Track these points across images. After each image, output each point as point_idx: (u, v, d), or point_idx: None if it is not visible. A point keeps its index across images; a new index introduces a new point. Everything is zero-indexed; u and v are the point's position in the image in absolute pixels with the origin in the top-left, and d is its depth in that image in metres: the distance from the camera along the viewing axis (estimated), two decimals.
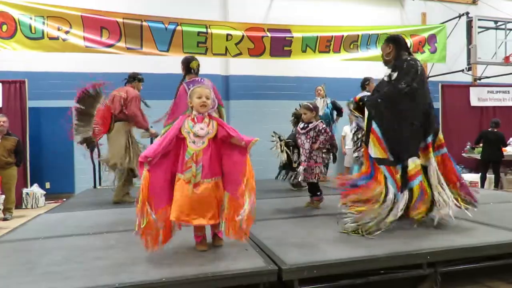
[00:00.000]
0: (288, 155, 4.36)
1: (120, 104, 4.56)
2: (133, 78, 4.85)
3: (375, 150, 2.93)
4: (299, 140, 3.86)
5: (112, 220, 3.53)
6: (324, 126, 3.78)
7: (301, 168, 3.78)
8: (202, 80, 3.96)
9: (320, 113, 5.84)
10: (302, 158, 3.79)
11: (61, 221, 3.63)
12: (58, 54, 6.51)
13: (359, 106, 3.30)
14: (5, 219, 5.62)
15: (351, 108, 3.41)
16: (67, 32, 5.94)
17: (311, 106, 3.81)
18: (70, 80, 7.83)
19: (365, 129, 3.07)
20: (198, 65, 4.14)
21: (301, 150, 3.83)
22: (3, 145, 5.82)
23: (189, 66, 4.08)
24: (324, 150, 3.76)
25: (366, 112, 3.06)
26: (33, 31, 5.82)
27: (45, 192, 7.23)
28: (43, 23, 5.84)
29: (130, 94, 4.61)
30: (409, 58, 3.05)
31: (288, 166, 4.50)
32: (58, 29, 5.91)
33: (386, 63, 3.24)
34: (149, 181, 2.24)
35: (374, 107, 2.98)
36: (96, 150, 5.02)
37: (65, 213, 4.04)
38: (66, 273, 2.09)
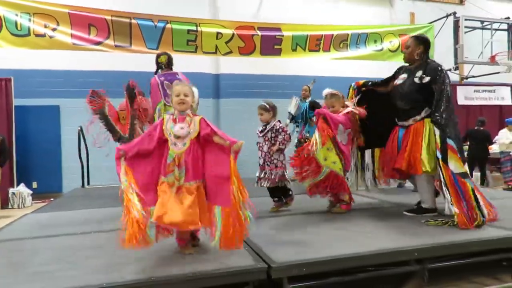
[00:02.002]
0: None
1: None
2: (128, 91, 4.85)
3: (456, 165, 2.94)
4: (258, 144, 3.64)
5: (101, 219, 3.49)
6: (281, 125, 3.59)
7: (259, 173, 3.57)
8: (175, 74, 4.15)
9: (294, 112, 5.83)
10: (261, 161, 3.57)
11: (49, 220, 3.58)
12: (45, 51, 6.41)
13: (361, 91, 3.56)
14: None
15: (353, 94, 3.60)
16: (54, 29, 5.85)
17: (267, 106, 3.57)
18: (58, 78, 7.75)
19: (440, 144, 2.98)
20: (167, 59, 4.34)
21: (260, 153, 3.60)
22: None
23: (157, 61, 4.32)
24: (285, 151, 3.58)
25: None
26: (19, 28, 5.72)
27: (32, 192, 7.13)
28: (29, 19, 5.74)
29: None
30: (441, 68, 3.17)
31: None
32: (45, 26, 5.81)
33: (410, 61, 3.35)
34: (133, 175, 2.16)
35: (446, 124, 3.03)
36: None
37: (52, 213, 3.99)
38: (55, 273, 2.07)
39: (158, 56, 4.37)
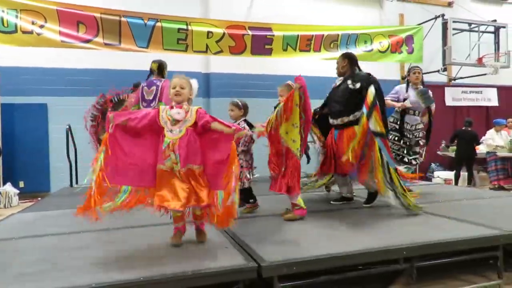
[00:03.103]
0: None
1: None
2: (134, 86, 5.25)
3: (375, 125, 3.33)
4: None
5: (88, 219, 3.44)
6: (245, 125, 3.47)
7: None
8: (158, 80, 4.43)
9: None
10: None
11: (36, 220, 3.52)
12: (32, 48, 6.30)
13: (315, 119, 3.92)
14: None
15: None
16: (41, 26, 5.75)
17: (239, 103, 3.54)
18: (45, 76, 7.63)
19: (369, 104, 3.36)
20: (158, 66, 4.60)
21: None
22: None
23: (150, 67, 4.64)
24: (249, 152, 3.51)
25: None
26: (5, 25, 5.60)
27: (18, 191, 7.00)
28: (16, 16, 5.63)
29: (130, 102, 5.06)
30: (370, 76, 3.62)
31: None
32: (32, 23, 5.71)
33: (340, 74, 3.89)
34: (109, 146, 2.28)
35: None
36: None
37: (40, 213, 3.93)
38: (41, 274, 2.03)
39: (152, 62, 4.66)
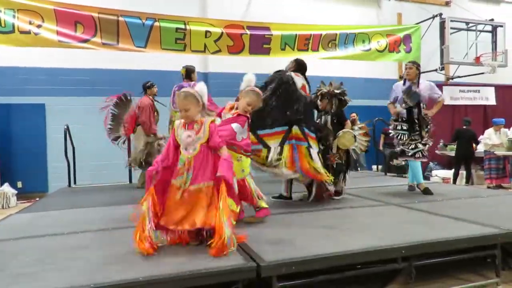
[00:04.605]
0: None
1: (135, 112, 5.42)
2: (144, 88, 5.55)
3: (315, 145, 3.68)
4: None
5: (87, 219, 3.45)
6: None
7: None
8: (185, 85, 4.62)
9: None
10: None
11: (34, 221, 3.51)
12: (30, 48, 6.29)
13: None
14: None
15: None
16: (39, 26, 5.73)
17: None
18: (43, 76, 7.62)
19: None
20: (185, 71, 5.14)
21: None
22: None
23: (180, 73, 5.19)
24: None
25: None
26: (2, 25, 5.58)
27: (16, 192, 6.99)
28: (14, 16, 5.61)
29: (143, 103, 5.39)
30: (278, 77, 3.66)
31: None
32: (30, 23, 5.69)
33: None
34: (154, 197, 2.31)
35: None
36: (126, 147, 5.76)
37: (37, 213, 3.91)
38: (38, 275, 2.03)
39: (181, 68, 5.22)
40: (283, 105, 3.55)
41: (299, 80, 3.72)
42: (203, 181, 2.37)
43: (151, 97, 5.50)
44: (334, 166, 3.96)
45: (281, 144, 3.48)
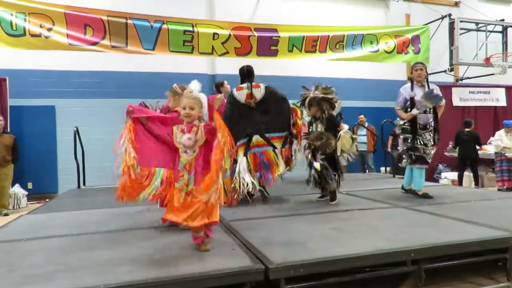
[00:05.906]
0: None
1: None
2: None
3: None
4: None
5: (96, 220, 3.48)
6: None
7: None
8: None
9: None
10: None
11: (44, 222, 3.55)
12: (41, 51, 6.39)
13: None
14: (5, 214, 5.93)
15: None
16: (49, 29, 5.83)
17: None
18: (52, 78, 7.72)
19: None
20: (216, 86, 5.15)
21: None
22: (1, 143, 5.96)
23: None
24: None
25: None
26: (14, 28, 5.68)
27: (27, 193, 7.08)
28: (25, 19, 5.71)
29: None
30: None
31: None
32: (41, 26, 5.78)
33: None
34: (135, 133, 2.36)
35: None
36: None
37: (48, 214, 3.96)
38: (49, 275, 2.05)
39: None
40: (240, 122, 3.96)
41: (242, 93, 4.07)
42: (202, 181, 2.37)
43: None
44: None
45: (245, 155, 3.89)
